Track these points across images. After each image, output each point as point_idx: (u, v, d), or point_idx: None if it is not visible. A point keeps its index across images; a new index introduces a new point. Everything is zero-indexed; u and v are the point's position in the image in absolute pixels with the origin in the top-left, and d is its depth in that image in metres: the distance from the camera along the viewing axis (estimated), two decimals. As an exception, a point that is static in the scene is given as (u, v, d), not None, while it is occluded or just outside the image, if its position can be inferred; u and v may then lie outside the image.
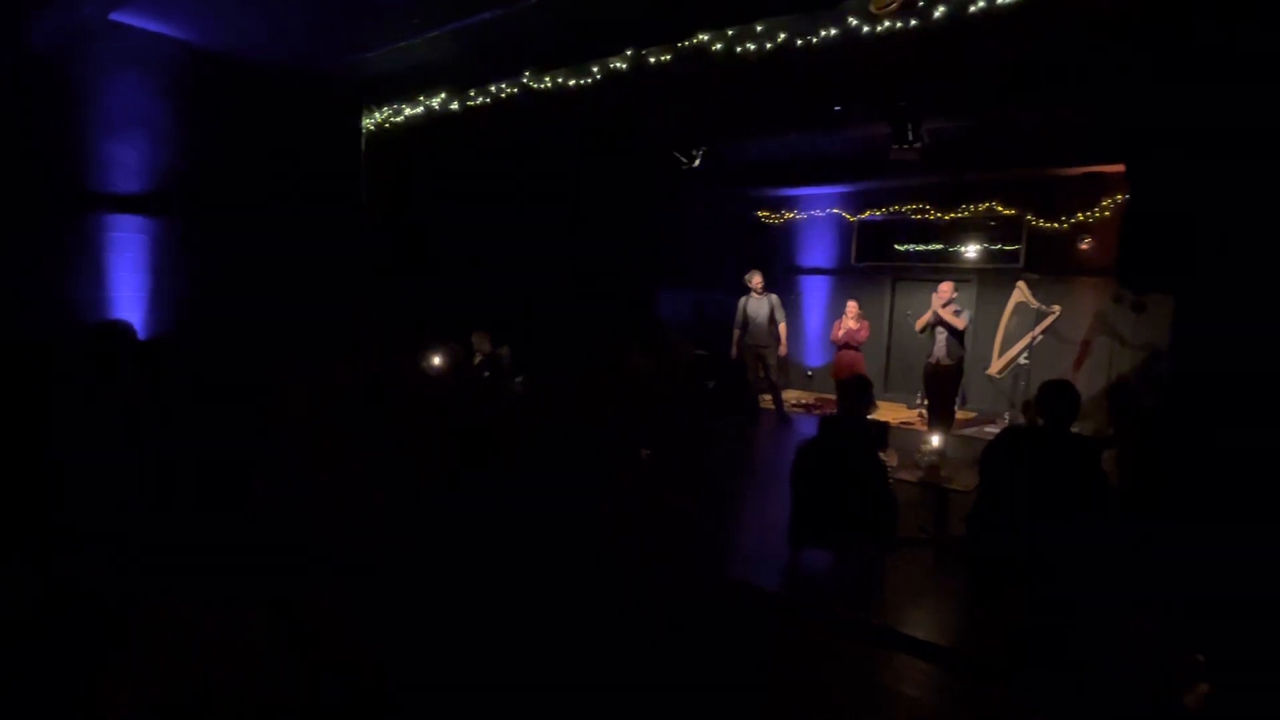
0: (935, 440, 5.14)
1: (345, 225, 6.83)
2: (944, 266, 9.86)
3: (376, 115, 7.11)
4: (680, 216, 10.52)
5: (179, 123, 6.00)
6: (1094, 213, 8.47)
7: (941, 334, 7.60)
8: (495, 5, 5.23)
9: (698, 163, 8.38)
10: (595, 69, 5.86)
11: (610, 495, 4.04)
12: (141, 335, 5.40)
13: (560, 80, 6.02)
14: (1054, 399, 3.71)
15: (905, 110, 6.51)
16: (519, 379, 7.02)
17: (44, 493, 3.01)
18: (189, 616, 1.79)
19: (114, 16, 5.39)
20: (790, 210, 11.26)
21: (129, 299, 5.71)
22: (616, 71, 5.77)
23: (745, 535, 5.20)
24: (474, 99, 6.67)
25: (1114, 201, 8.26)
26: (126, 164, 5.82)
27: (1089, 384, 8.19)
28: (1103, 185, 8.32)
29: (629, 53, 5.66)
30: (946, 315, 7.48)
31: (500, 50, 6.11)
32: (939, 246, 10.06)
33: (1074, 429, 3.80)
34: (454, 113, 6.76)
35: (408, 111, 6.97)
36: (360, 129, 7.07)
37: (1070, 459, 3.61)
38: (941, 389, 7.70)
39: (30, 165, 5.41)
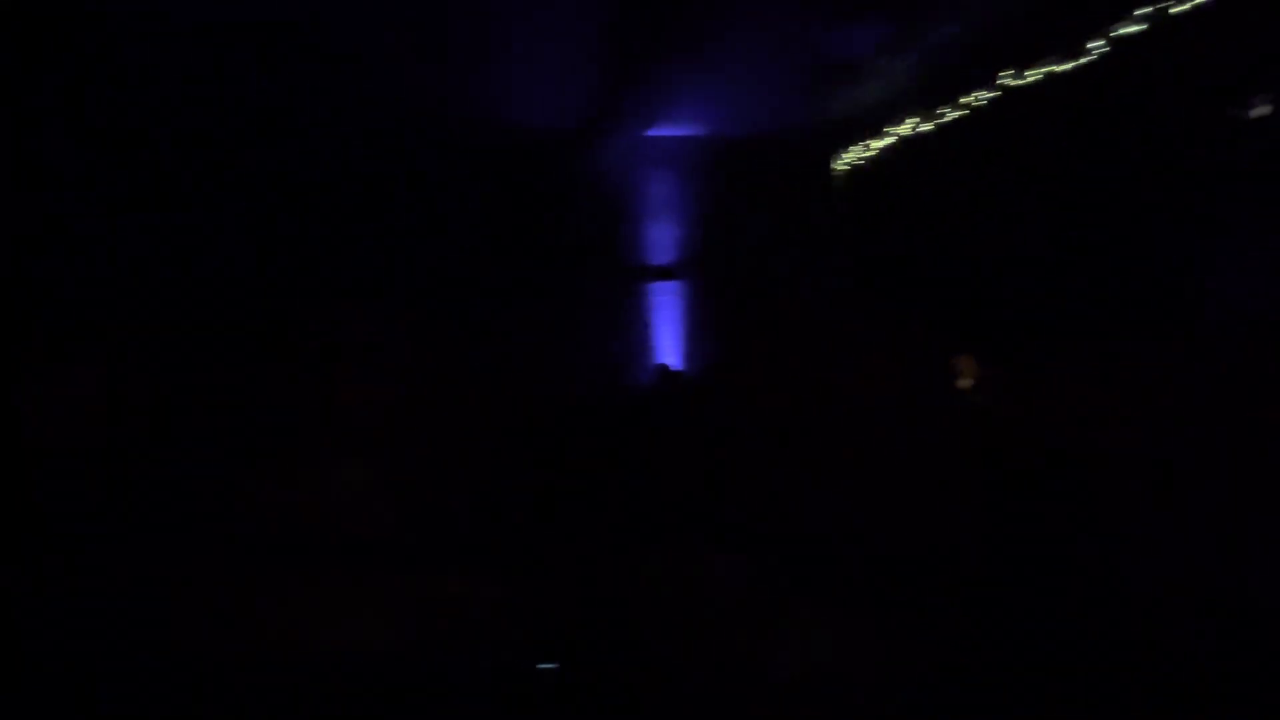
0: None
1: (823, 264, 7.33)
2: None
3: (845, 156, 7.51)
4: (1211, 199, 8.23)
5: (694, 200, 7.39)
6: None
7: None
8: (957, 16, 5.07)
9: (1265, 110, 6.40)
10: (1096, 44, 5.12)
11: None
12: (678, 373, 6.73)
13: (1049, 70, 5.43)
14: None
15: None
16: (997, 401, 6.42)
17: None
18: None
19: (649, 132, 7.02)
20: None
21: (667, 347, 7.18)
22: (1126, 38, 4.94)
23: None
24: (943, 116, 6.50)
25: None
26: (660, 241, 7.42)
27: None
28: None
29: (1144, 11, 4.79)
30: None
31: (970, 60, 5.86)
32: None
33: None
34: (924, 134, 6.69)
35: (875, 145, 7.17)
36: (831, 174, 7.55)
37: None
38: None
39: (596, 249, 7.34)
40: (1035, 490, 3.72)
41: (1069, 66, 5.33)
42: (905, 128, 6.80)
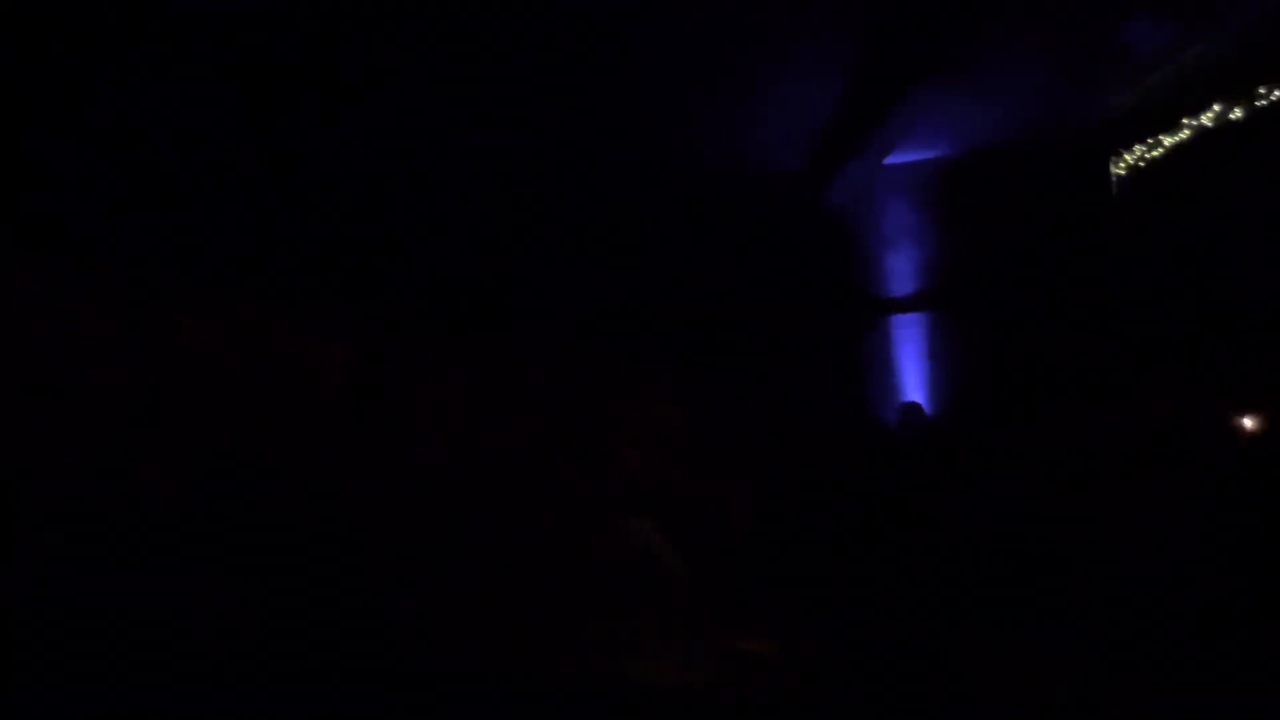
0: None
1: (1104, 284, 6.36)
2: None
3: (1127, 158, 6.49)
4: None
5: (935, 226, 6.88)
6: None
7: None
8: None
9: None
10: None
11: None
12: (928, 412, 6.22)
13: None
14: None
15: None
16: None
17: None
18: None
19: (897, 159, 6.70)
20: None
21: (913, 383, 6.69)
22: None
23: None
24: (1263, 97, 5.37)
25: None
26: (900, 270, 6.99)
27: None
28: None
29: None
30: None
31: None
32: None
33: None
34: (1235, 122, 5.58)
35: (1168, 141, 6.11)
36: (1110, 179, 6.58)
37: None
38: None
39: (836, 282, 7.09)
40: None
41: None
42: (1208, 116, 5.73)
